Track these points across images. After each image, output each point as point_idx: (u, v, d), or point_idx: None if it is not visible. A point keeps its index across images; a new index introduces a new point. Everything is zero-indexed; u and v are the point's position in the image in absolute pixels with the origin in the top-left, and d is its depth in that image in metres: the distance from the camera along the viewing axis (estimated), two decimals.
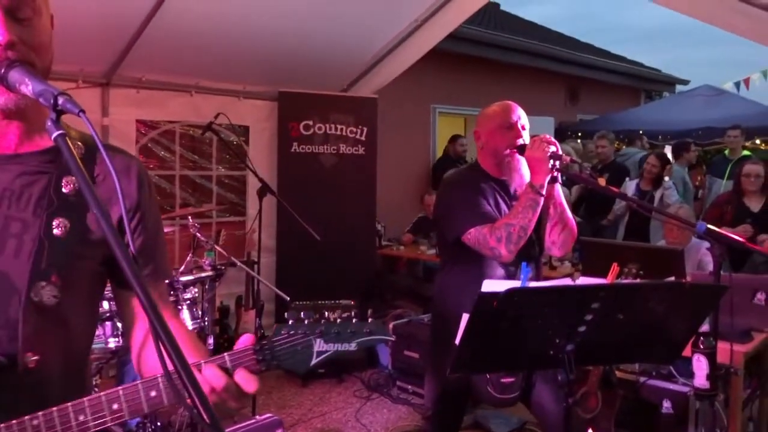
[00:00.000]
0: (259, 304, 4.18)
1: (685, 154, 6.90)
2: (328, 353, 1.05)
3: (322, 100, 5.44)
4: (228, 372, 1.01)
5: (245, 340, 1.05)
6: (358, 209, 5.54)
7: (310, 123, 5.38)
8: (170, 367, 0.81)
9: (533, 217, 2.20)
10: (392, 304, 5.37)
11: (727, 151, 6.71)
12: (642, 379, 3.19)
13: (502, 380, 2.30)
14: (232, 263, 3.66)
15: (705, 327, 1.94)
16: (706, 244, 2.46)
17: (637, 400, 3.24)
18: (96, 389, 2.99)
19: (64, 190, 1.09)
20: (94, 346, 1.54)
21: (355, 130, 5.58)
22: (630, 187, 5.72)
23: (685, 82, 12.98)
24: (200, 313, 3.24)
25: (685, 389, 2.96)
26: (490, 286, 1.80)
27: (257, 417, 3.01)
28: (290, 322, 1.05)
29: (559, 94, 10.67)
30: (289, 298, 3.51)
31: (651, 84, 12.80)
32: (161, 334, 0.80)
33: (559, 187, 2.38)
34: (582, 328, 1.70)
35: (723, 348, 2.56)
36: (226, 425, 3.35)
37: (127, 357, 3.11)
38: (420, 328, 4.34)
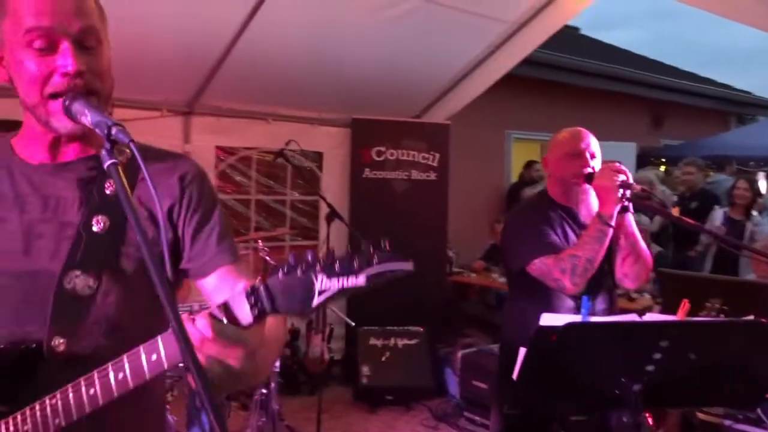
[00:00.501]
0: (327, 328, 4.21)
1: None
2: (332, 291, 0.88)
3: (394, 127, 5.47)
4: (219, 320, 0.93)
5: (239, 287, 0.97)
6: (429, 235, 5.48)
7: (383, 149, 5.41)
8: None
9: (601, 248, 2.11)
10: (462, 333, 5.27)
11: None
12: (727, 422, 2.96)
13: (572, 418, 2.19)
14: None
15: None
16: None
17: None
18: (168, 408, 3.05)
19: (107, 191, 1.15)
20: None
21: (427, 156, 5.56)
22: (717, 216, 5.38)
23: None
24: None
25: None
26: (549, 319, 1.73)
27: None
28: (290, 261, 0.90)
29: (642, 118, 10.30)
30: (354, 323, 3.53)
31: (742, 107, 12.15)
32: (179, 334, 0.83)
33: (631, 217, 2.28)
34: (650, 367, 1.60)
35: None
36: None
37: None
38: (489, 358, 4.23)
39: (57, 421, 1.00)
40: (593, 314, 2.24)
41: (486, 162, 7.85)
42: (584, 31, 12.21)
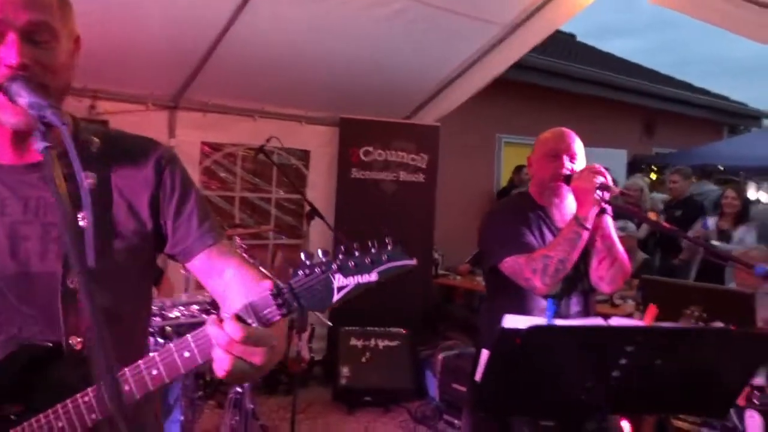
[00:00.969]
0: (309, 328, 4.17)
1: None
2: (349, 287, 1.01)
3: (383, 127, 5.44)
4: (247, 323, 0.99)
5: (264, 286, 1.03)
6: (415, 237, 5.44)
7: (371, 149, 5.39)
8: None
9: (574, 250, 2.08)
10: (445, 336, 5.24)
11: None
12: (703, 430, 2.94)
13: (541, 422, 2.16)
14: None
15: (760, 379, 1.75)
16: None
17: None
18: None
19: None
20: None
21: (416, 157, 5.54)
22: (707, 225, 5.37)
23: None
24: None
25: None
26: (512, 321, 1.69)
27: None
28: (306, 261, 1.00)
29: (634, 126, 10.30)
30: (331, 324, 3.49)
31: (735, 118, 12.16)
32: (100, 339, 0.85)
33: (609, 220, 2.24)
34: (616, 373, 1.57)
35: None
36: None
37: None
38: (469, 360, 4.15)
39: (93, 416, 1.04)
40: (567, 317, 2.21)
41: (475, 165, 7.82)
42: (581, 39, 12.21)
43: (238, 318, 0.98)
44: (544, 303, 2.15)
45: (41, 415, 1.05)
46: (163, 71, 4.29)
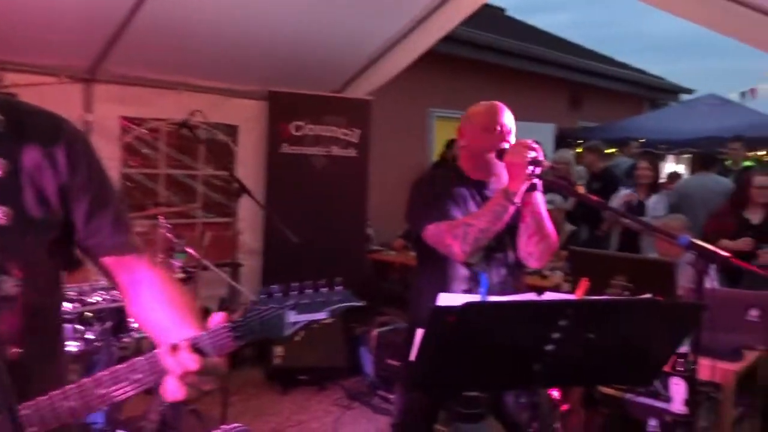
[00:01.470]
0: (240, 309, 4.06)
1: (718, 164, 6.47)
2: (302, 323, 1.10)
3: (313, 101, 5.33)
4: (202, 352, 1.03)
5: (218, 319, 1.07)
6: (348, 212, 5.43)
7: (301, 124, 5.28)
8: None
9: (497, 222, 2.08)
10: (380, 312, 5.24)
11: (729, 162, 6.56)
12: (628, 395, 3.05)
13: (466, 393, 2.17)
14: (205, 266, 3.54)
15: (684, 348, 1.81)
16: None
17: (622, 418, 3.09)
18: None
19: None
20: None
21: (347, 132, 5.47)
22: (621, 196, 5.54)
23: (689, 91, 12.81)
24: None
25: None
26: (446, 299, 1.68)
27: (223, 427, 2.90)
28: (262, 297, 1.09)
29: (561, 100, 10.53)
30: None
31: (654, 93, 12.64)
32: None
33: (539, 196, 2.25)
34: (549, 347, 1.58)
35: (707, 366, 2.43)
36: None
37: (94, 359, 2.99)
38: (404, 336, 4.20)
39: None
40: (490, 288, 2.22)
41: (408, 139, 7.81)
42: (510, 13, 12.34)
43: (194, 348, 1.01)
44: (464, 272, 2.16)
45: None
46: (77, 40, 4.02)
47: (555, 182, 3.39)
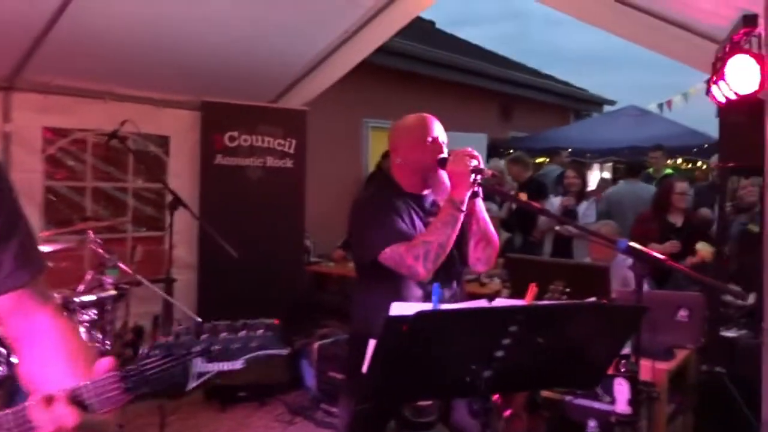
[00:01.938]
0: (175, 324, 3.91)
1: (644, 171, 6.74)
2: (211, 374, 0.93)
3: (248, 111, 5.25)
4: (84, 406, 0.86)
5: (105, 365, 0.90)
6: (285, 224, 5.36)
7: (236, 134, 5.18)
8: None
9: (452, 233, 2.09)
10: (320, 324, 5.19)
11: (651, 170, 6.87)
12: (568, 398, 3.11)
13: (418, 403, 2.16)
14: (138, 282, 3.40)
15: (626, 350, 1.86)
16: (630, 261, 2.41)
17: (562, 420, 3.16)
18: None
19: None
20: None
21: (283, 142, 5.41)
22: (554, 204, 5.73)
23: (611, 103, 13.37)
24: (100, 336, 2.97)
25: (612, 408, 2.90)
26: (398, 308, 1.66)
27: None
28: (165, 341, 0.92)
29: (492, 111, 10.78)
30: (200, 319, 3.29)
31: (580, 104, 13.14)
32: None
33: (481, 202, 2.29)
34: (499, 353, 1.58)
35: (646, 366, 2.51)
36: None
37: (16, 384, 2.80)
38: (346, 348, 4.16)
39: None
40: (442, 301, 2.22)
41: (344, 149, 7.80)
42: (439, 26, 12.54)
43: (73, 399, 0.85)
44: (419, 291, 2.15)
45: None
46: None
47: (495, 189, 3.46)
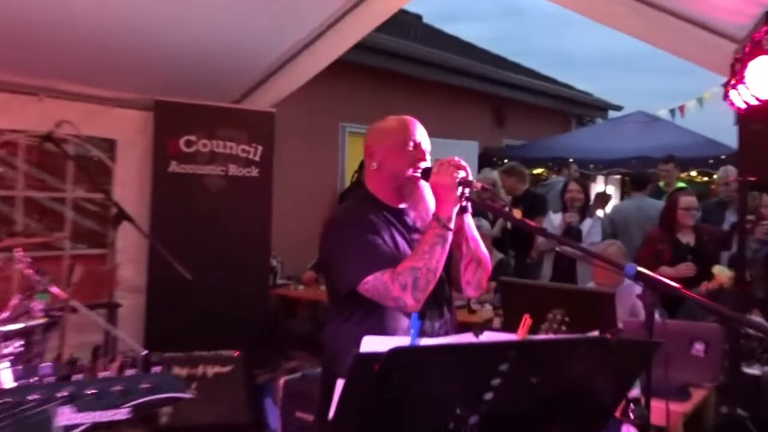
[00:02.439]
0: (118, 357, 3.84)
1: (650, 185, 6.70)
2: (83, 426, 0.81)
3: (208, 113, 5.21)
4: None
5: None
6: (249, 241, 5.31)
7: (193, 139, 5.14)
8: None
9: (441, 255, 2.05)
10: (286, 355, 5.12)
11: (662, 183, 6.90)
12: None
13: None
14: (73, 308, 3.31)
15: (635, 391, 1.81)
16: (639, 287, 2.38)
17: None
18: None
19: None
20: None
21: (247, 148, 5.37)
22: (555, 221, 5.70)
23: (618, 108, 13.54)
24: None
25: None
26: (371, 344, 1.61)
27: None
28: (19, 384, 0.81)
29: (485, 116, 10.84)
30: (146, 351, 3.23)
31: (582, 109, 13.26)
32: None
33: (470, 219, 2.24)
34: (488, 396, 1.53)
35: (657, 408, 2.46)
36: None
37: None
38: (316, 384, 4.06)
39: None
40: (432, 332, 2.17)
41: (317, 158, 7.78)
42: (427, 20, 12.62)
43: None
44: (407, 322, 2.09)
45: None
46: None
47: (486, 205, 3.42)
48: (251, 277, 5.29)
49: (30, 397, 0.75)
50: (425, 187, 2.23)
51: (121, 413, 0.79)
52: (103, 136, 4.84)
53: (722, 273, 4.40)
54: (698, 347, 2.98)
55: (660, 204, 6.00)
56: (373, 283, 2.04)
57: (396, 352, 1.37)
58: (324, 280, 2.62)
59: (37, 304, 3.15)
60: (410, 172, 2.18)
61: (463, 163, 2.14)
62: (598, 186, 10.39)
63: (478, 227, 4.92)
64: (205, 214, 5.09)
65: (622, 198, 10.16)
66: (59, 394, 0.76)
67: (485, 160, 9.42)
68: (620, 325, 3.19)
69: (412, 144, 2.21)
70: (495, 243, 5.81)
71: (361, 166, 7.31)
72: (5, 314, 3.00)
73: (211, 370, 4.45)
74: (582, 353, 1.57)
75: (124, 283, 4.79)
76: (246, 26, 4.57)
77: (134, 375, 0.81)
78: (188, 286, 3.94)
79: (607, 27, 4.18)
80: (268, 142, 5.43)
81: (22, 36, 3.90)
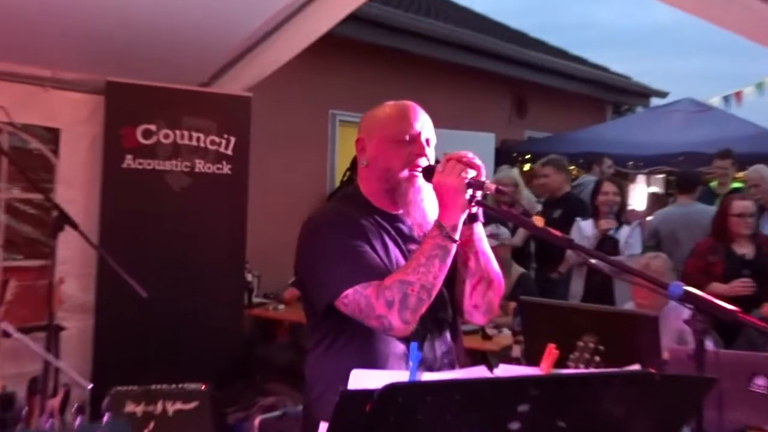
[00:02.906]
0: (61, 392, 3.82)
1: (699, 188, 6.72)
2: None
3: (170, 97, 5.24)
4: None
5: None
6: (219, 252, 5.34)
7: (153, 128, 5.15)
8: None
9: (441, 272, 2.04)
10: (263, 389, 5.14)
11: (714, 183, 6.91)
12: None
13: None
14: (5, 332, 3.30)
15: None
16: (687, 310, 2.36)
17: None
18: None
19: None
20: None
21: (218, 140, 5.40)
22: (585, 228, 5.69)
23: (662, 95, 13.57)
24: None
25: None
26: (360, 379, 1.60)
27: None
28: None
29: (503, 103, 10.90)
30: (92, 385, 3.21)
31: (619, 95, 13.32)
32: None
33: (481, 229, 2.22)
34: None
35: None
36: None
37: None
38: (298, 425, 4.09)
39: None
40: (433, 362, 2.16)
41: (303, 152, 7.85)
42: None
43: None
44: (401, 347, 2.08)
45: None
46: None
47: (501, 211, 3.40)
48: (222, 294, 5.30)
49: None
50: (426, 188, 2.20)
51: None
52: (43, 125, 4.84)
53: None
54: (759, 383, 2.96)
55: (710, 209, 6.01)
56: (353, 297, 2.03)
57: (392, 389, 1.36)
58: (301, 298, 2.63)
59: None
60: (405, 171, 2.17)
61: (477, 161, 2.12)
62: (638, 187, 10.41)
63: (496, 235, 4.94)
64: (167, 218, 5.11)
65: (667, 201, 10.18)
66: None
67: (503, 155, 9.45)
68: (665, 355, 3.18)
69: (408, 136, 2.20)
70: (515, 254, 5.81)
71: (354, 162, 7.38)
72: None
73: (172, 407, 4.42)
74: (619, 391, 1.56)
75: (67, 301, 4.78)
76: None
77: (83, 426, 0.82)
78: (145, 305, 3.92)
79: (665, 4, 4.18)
80: (242, 132, 5.45)
81: None
